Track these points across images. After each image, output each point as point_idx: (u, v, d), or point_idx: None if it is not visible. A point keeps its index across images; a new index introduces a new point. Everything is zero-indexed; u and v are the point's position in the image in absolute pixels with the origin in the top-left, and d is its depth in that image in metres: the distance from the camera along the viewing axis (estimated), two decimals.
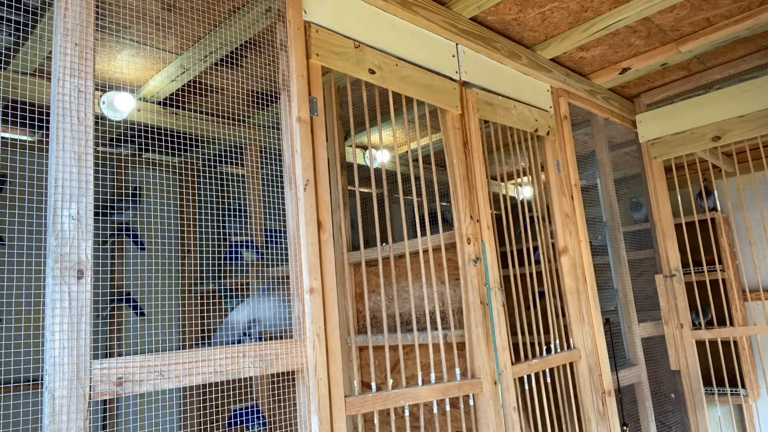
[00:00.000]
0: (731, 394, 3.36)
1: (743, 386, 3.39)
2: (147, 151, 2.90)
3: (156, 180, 2.96)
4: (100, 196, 2.79)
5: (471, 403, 1.81)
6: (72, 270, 1.02)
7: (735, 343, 3.40)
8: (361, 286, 2.18)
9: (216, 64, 2.09)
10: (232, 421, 2.37)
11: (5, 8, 1.68)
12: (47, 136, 2.45)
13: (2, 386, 2.33)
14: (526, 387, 2.01)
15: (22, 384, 2.39)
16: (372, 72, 1.73)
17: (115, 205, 2.73)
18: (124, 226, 2.76)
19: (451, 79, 2.00)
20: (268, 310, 2.08)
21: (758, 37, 2.49)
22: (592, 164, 3.00)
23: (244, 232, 2.62)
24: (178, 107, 2.47)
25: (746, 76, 2.79)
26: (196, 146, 2.85)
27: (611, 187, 2.85)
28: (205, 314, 2.93)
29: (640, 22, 2.26)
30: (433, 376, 1.72)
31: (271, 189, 1.78)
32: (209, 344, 2.91)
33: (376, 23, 1.79)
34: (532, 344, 2.72)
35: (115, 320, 2.74)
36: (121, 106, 2.25)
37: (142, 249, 2.84)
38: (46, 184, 1.06)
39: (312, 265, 1.42)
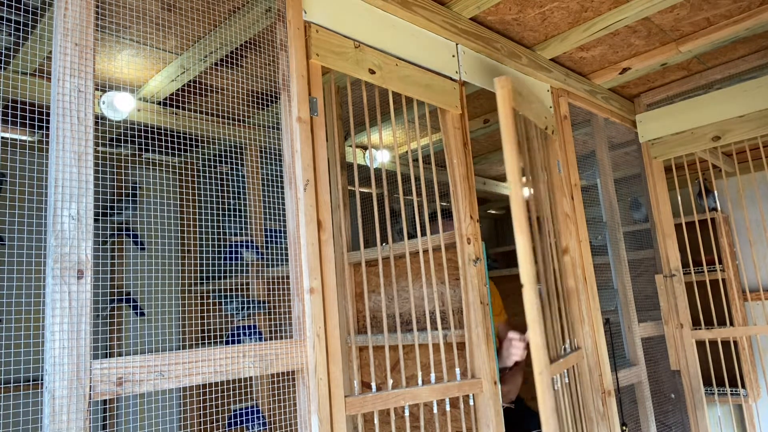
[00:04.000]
0: (731, 394, 3.36)
1: (743, 386, 3.38)
2: (147, 151, 2.90)
3: (156, 180, 2.96)
4: (100, 196, 2.79)
5: (471, 403, 1.81)
6: (72, 270, 1.02)
7: (735, 343, 3.40)
8: (361, 286, 2.18)
9: (216, 64, 2.09)
10: (232, 421, 2.37)
11: (5, 8, 1.68)
12: (47, 136, 2.45)
13: (2, 386, 2.33)
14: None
15: (22, 384, 2.39)
16: (372, 72, 1.73)
17: (115, 205, 2.73)
18: (124, 226, 2.76)
19: (451, 79, 2.00)
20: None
21: (758, 37, 2.48)
22: (592, 164, 3.00)
23: (244, 232, 2.62)
24: (178, 107, 2.47)
25: (746, 76, 2.79)
26: (196, 146, 2.85)
27: (611, 187, 2.85)
28: (205, 314, 2.93)
29: (640, 22, 2.26)
30: (433, 376, 1.72)
31: (271, 189, 1.78)
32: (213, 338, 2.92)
33: (376, 23, 1.79)
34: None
35: (115, 320, 2.74)
36: (121, 106, 2.25)
37: (142, 249, 2.84)
38: (46, 184, 1.06)
39: (312, 265, 1.42)
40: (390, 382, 1.64)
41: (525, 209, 1.75)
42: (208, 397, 2.49)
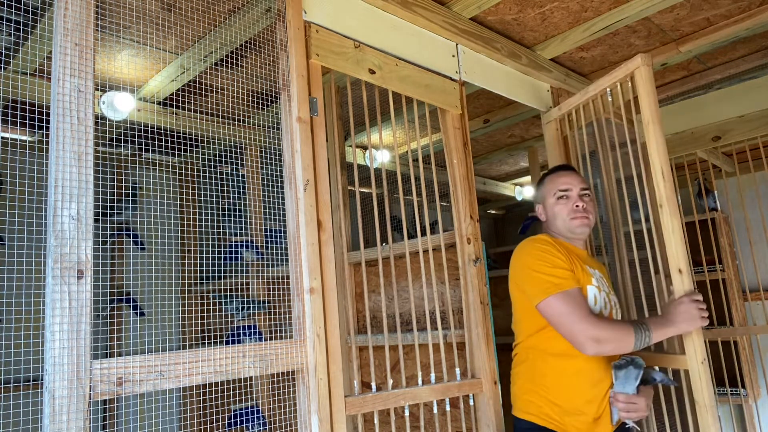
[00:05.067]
0: (731, 394, 3.36)
1: (743, 386, 3.38)
2: (147, 151, 2.90)
3: (156, 180, 2.96)
4: (100, 196, 2.79)
5: (471, 403, 1.81)
6: (72, 270, 1.02)
7: (735, 343, 3.40)
8: (361, 286, 2.18)
9: (216, 64, 2.09)
10: (232, 421, 2.37)
11: (5, 8, 1.68)
12: (47, 136, 2.45)
13: (2, 386, 2.33)
14: None
15: (22, 384, 2.39)
16: (372, 72, 1.73)
17: (115, 205, 2.73)
18: (124, 226, 2.76)
19: (451, 79, 2.00)
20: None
21: (758, 37, 2.48)
22: (593, 164, 2.99)
23: (244, 232, 2.62)
24: (178, 107, 2.47)
25: (746, 76, 2.79)
26: (196, 146, 2.85)
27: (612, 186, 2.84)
28: (205, 314, 2.93)
29: (640, 22, 2.26)
30: (433, 376, 1.72)
31: (271, 189, 1.78)
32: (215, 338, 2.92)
33: (376, 23, 1.79)
34: None
35: (115, 320, 2.74)
36: (121, 106, 2.25)
37: (142, 249, 2.84)
38: (46, 184, 1.06)
39: (312, 265, 1.42)
40: (390, 382, 1.64)
41: (674, 187, 1.71)
42: (208, 397, 2.49)
